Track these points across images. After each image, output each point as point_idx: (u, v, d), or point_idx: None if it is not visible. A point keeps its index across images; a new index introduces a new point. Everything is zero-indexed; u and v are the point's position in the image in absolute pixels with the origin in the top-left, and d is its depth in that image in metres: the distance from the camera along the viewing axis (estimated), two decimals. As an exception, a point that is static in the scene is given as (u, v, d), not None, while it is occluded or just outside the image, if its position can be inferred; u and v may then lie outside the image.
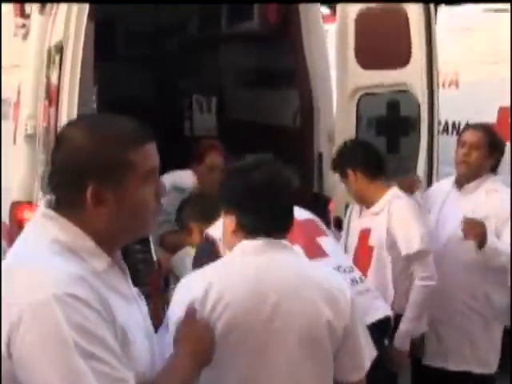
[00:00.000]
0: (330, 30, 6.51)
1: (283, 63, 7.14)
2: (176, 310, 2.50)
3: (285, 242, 2.66)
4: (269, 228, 2.63)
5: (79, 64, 4.51)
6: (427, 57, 5.07)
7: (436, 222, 4.74)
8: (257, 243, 2.61)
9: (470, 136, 4.67)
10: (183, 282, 2.62)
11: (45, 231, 1.99)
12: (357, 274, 3.93)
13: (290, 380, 2.54)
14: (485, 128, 4.80)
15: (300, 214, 3.79)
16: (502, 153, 4.75)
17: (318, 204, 6.22)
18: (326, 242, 3.94)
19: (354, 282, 3.82)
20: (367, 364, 2.71)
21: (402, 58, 5.24)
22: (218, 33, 7.88)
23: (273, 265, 2.58)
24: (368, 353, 2.72)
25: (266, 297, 2.52)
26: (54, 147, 2.09)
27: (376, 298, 4.00)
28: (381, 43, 5.41)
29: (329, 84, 6.35)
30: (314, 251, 3.73)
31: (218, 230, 3.38)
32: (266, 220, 2.63)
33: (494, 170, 4.74)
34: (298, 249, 3.49)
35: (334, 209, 5.84)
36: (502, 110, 5.99)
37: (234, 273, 2.57)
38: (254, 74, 8.09)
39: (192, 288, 2.53)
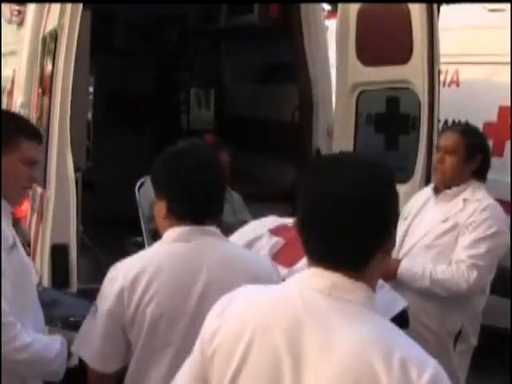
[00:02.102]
0: (331, 26, 6.45)
1: (283, 58, 7.08)
2: (104, 301, 2.59)
3: (212, 227, 2.68)
4: (197, 214, 2.64)
5: (73, 52, 4.44)
6: (428, 54, 5.00)
7: (406, 229, 4.30)
8: (185, 229, 2.64)
9: (444, 140, 4.25)
10: (113, 270, 2.65)
11: None
12: None
13: None
14: (463, 129, 4.37)
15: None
16: (485, 156, 4.25)
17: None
18: None
19: None
20: None
21: (403, 55, 5.17)
22: (218, 26, 7.81)
23: (201, 251, 2.63)
24: None
25: (194, 283, 2.58)
26: None
27: (390, 291, 3.91)
28: (382, 39, 5.35)
29: (328, 80, 6.29)
30: None
31: None
32: (194, 206, 2.65)
33: (481, 176, 4.23)
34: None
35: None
36: (502, 109, 5.93)
37: (163, 259, 2.62)
38: (253, 69, 8.03)
39: (121, 277, 2.58)
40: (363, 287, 1.84)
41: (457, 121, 6.28)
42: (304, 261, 3.53)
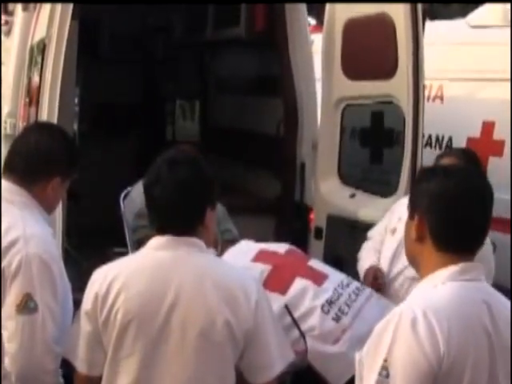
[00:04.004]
0: (317, 39, 6.49)
1: (268, 71, 7.11)
2: (84, 304, 2.66)
3: (192, 239, 2.68)
4: (170, 226, 2.67)
5: (61, 63, 4.45)
6: (414, 69, 5.02)
7: (396, 248, 4.24)
8: (164, 239, 2.67)
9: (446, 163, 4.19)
10: (94, 275, 2.71)
11: None
12: (356, 283, 3.90)
13: (183, 378, 2.59)
14: (460, 152, 4.48)
15: (276, 247, 3.87)
16: None
17: (299, 213, 6.19)
18: (316, 263, 3.93)
19: (357, 291, 3.78)
20: (279, 366, 2.73)
21: (388, 70, 5.19)
22: (204, 38, 7.83)
23: (176, 262, 2.65)
24: (280, 354, 2.73)
25: (164, 293, 2.59)
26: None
27: (379, 298, 3.94)
28: (367, 54, 5.37)
29: (313, 93, 6.31)
30: (317, 277, 3.71)
31: None
32: (172, 217, 2.68)
33: None
34: (303, 282, 3.58)
35: (315, 218, 5.80)
36: (485, 124, 5.97)
37: (138, 268, 2.66)
38: (238, 81, 8.05)
39: (98, 282, 2.64)
40: None
41: (441, 136, 6.33)
42: (295, 286, 3.56)
